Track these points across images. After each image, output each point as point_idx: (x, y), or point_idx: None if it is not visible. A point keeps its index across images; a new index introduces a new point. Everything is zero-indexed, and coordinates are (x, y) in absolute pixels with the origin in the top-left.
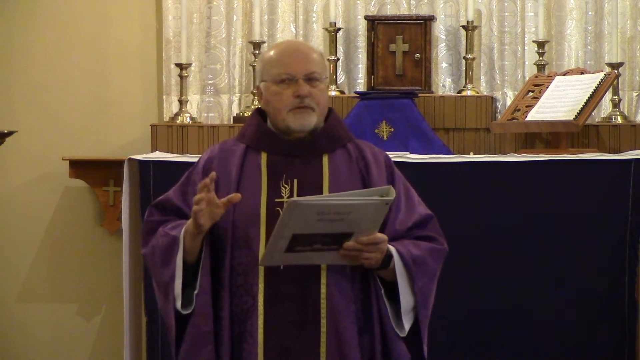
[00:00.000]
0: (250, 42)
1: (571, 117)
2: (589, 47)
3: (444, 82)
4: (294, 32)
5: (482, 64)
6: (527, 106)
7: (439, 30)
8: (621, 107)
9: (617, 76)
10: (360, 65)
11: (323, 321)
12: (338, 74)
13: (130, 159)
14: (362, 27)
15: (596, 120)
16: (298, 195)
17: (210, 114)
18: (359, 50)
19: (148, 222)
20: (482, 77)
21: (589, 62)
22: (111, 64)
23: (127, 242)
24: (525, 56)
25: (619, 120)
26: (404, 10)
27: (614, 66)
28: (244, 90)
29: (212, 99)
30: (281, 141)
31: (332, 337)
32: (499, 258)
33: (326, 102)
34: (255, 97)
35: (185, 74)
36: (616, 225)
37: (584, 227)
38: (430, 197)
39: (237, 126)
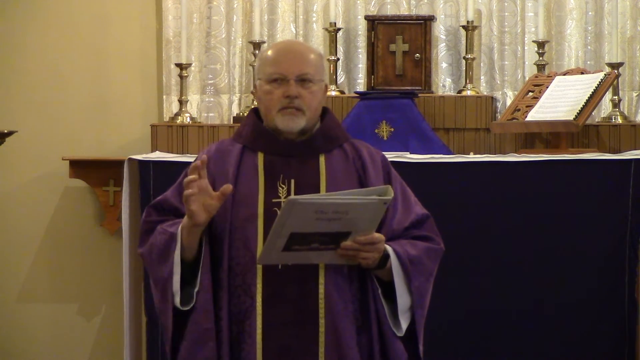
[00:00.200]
0: (250, 42)
1: (571, 117)
2: (589, 47)
3: (444, 82)
4: (294, 32)
5: (482, 64)
6: (527, 106)
7: (439, 30)
8: (621, 107)
9: (617, 76)
10: (360, 65)
11: (321, 321)
12: (338, 74)
13: (130, 159)
14: (362, 27)
15: (596, 120)
16: (296, 195)
17: (210, 114)
18: (359, 50)
19: (146, 222)
20: (482, 77)
21: (589, 62)
22: (111, 64)
23: (127, 242)
24: (525, 56)
25: (619, 120)
26: (404, 10)
27: (614, 66)
28: (244, 90)
29: (212, 99)
30: (278, 141)
31: (331, 336)
32: (499, 258)
33: (318, 104)
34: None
35: (185, 74)
36: (616, 225)
37: (584, 227)
38: (430, 197)
39: (237, 126)
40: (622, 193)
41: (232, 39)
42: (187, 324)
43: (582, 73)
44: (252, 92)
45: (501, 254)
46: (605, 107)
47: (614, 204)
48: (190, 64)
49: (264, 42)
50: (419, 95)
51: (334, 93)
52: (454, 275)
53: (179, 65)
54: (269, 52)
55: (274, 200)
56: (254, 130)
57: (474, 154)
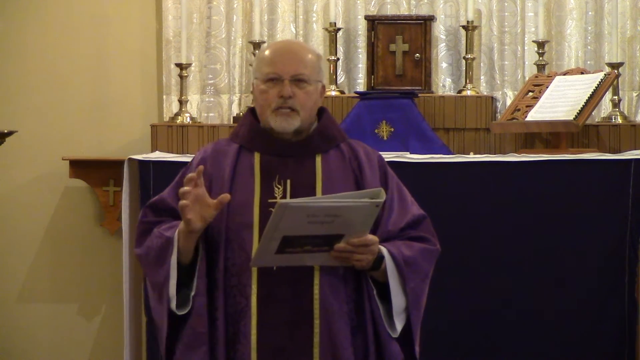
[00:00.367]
0: (250, 42)
1: (571, 117)
2: (589, 47)
3: (444, 82)
4: (294, 32)
5: (482, 64)
6: (527, 106)
7: (439, 30)
8: (621, 107)
9: (617, 76)
10: (360, 65)
11: (316, 321)
12: (338, 74)
13: (130, 159)
14: (362, 27)
15: (596, 120)
16: (291, 196)
17: (210, 114)
18: (359, 50)
19: (142, 222)
20: (482, 77)
21: (589, 62)
22: (111, 64)
23: (127, 242)
24: (525, 56)
25: (619, 120)
26: (404, 10)
27: (614, 66)
28: (244, 90)
29: (212, 99)
30: (274, 141)
31: (326, 337)
32: (499, 258)
33: (314, 104)
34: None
35: (185, 74)
36: (616, 225)
37: (584, 227)
38: (430, 197)
39: None
40: (622, 193)
41: (232, 39)
42: (182, 326)
43: (582, 73)
44: (252, 92)
45: (501, 254)
46: (605, 107)
47: (614, 204)
48: (190, 64)
49: (264, 42)
50: (419, 95)
51: (334, 93)
52: (454, 275)
53: (179, 65)
54: (266, 52)
55: (270, 201)
56: (250, 130)
57: (474, 154)
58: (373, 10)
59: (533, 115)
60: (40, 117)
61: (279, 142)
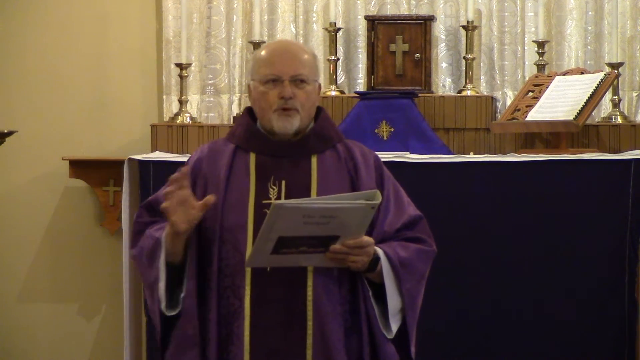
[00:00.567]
0: (250, 42)
1: (571, 117)
2: (589, 47)
3: (444, 82)
4: (294, 32)
5: (482, 64)
6: (527, 106)
7: (439, 30)
8: (621, 107)
9: (617, 76)
10: (360, 65)
11: (309, 323)
12: (338, 74)
13: (130, 159)
14: (362, 27)
15: (596, 120)
16: (286, 197)
17: (210, 114)
18: (359, 50)
19: (137, 223)
20: (482, 77)
21: (589, 62)
22: (111, 64)
23: (127, 242)
24: (525, 56)
25: (619, 120)
26: (404, 10)
27: (614, 66)
28: (244, 90)
29: (212, 99)
30: (270, 142)
31: (319, 339)
32: (499, 258)
33: (312, 104)
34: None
35: (185, 74)
36: (616, 225)
37: (584, 227)
38: (430, 197)
39: None
40: (622, 193)
41: (232, 39)
42: (175, 327)
43: (582, 73)
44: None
45: (501, 254)
46: (605, 107)
47: (614, 204)
48: (190, 64)
49: (264, 42)
50: (419, 95)
51: (334, 93)
52: (454, 275)
53: (179, 65)
54: (263, 53)
55: (264, 202)
56: (247, 130)
57: (474, 154)
58: (373, 10)
59: (533, 115)
60: (40, 117)
61: (274, 142)
